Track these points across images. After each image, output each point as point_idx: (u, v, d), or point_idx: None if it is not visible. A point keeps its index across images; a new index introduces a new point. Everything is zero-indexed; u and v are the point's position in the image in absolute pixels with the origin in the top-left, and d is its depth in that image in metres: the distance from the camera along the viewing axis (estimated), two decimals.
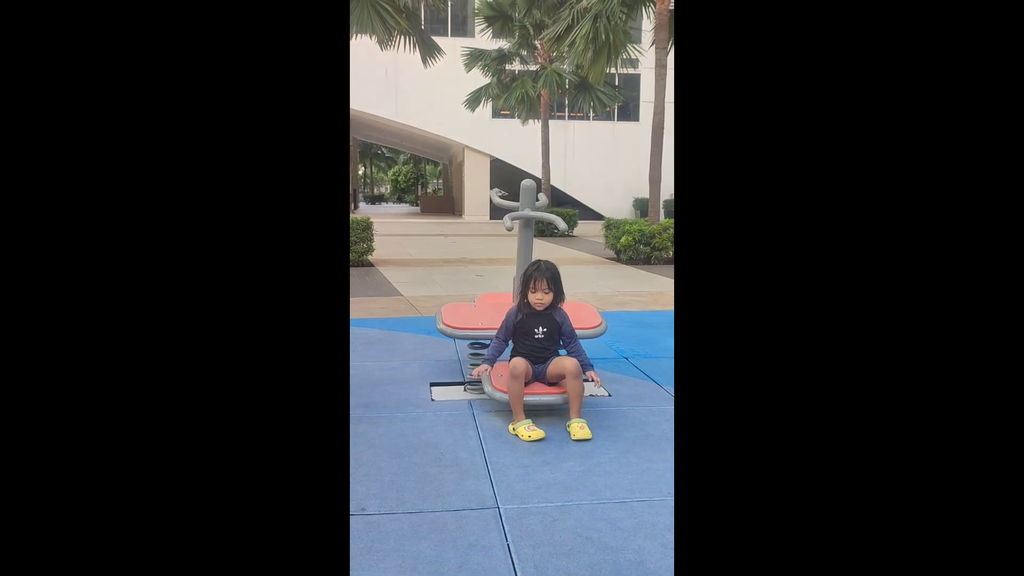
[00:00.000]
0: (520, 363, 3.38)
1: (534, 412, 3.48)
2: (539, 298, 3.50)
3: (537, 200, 4.14)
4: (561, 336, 3.59)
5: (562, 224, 4.33)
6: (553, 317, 3.57)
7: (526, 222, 4.11)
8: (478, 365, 3.60)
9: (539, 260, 3.62)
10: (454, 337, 3.98)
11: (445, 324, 3.94)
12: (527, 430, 3.22)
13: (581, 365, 3.48)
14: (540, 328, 3.53)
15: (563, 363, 3.42)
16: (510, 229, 4.07)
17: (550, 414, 3.55)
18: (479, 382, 3.89)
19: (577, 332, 3.70)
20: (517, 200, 4.15)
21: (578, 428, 3.24)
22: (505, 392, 3.40)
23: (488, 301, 4.50)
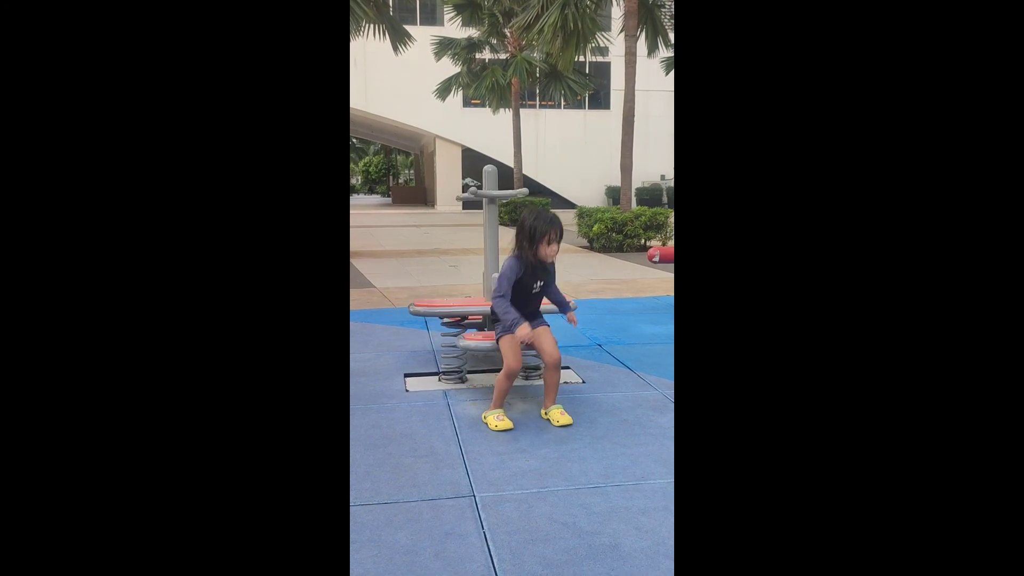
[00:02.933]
0: (517, 365, 3.27)
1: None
2: (555, 250, 3.29)
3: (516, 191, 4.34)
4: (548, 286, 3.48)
5: (524, 190, 4.73)
6: (548, 268, 3.40)
7: (490, 204, 4.15)
8: (499, 333, 3.41)
9: (540, 210, 3.37)
10: (425, 316, 4.11)
11: (416, 306, 4.10)
12: (496, 420, 3.23)
13: (560, 305, 3.56)
14: (538, 283, 3.37)
15: (545, 346, 3.29)
16: (470, 193, 4.17)
17: (524, 401, 3.57)
18: (456, 371, 3.90)
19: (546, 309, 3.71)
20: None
21: (559, 414, 3.25)
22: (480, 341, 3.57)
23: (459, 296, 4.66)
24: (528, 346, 3.37)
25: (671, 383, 3.81)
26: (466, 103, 23.03)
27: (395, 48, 12.77)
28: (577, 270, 9.01)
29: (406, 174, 45.70)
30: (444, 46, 17.57)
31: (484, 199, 4.12)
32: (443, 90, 18.27)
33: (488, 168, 4.16)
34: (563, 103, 23.28)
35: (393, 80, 22.56)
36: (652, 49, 13.53)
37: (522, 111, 18.50)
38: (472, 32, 17.63)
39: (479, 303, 4.23)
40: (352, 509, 2.41)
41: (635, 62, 11.50)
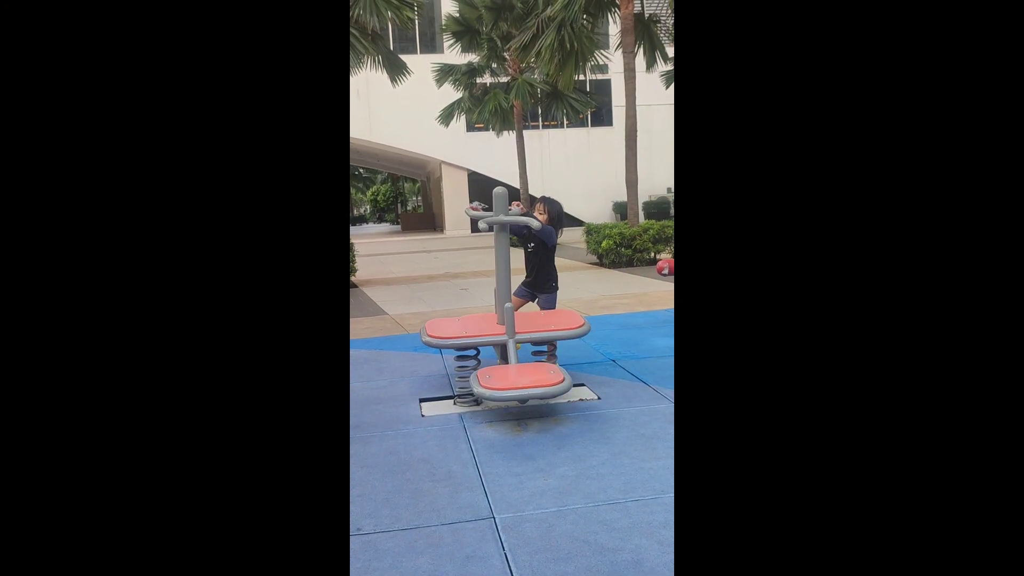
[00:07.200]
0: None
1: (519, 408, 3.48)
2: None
3: (510, 209, 4.19)
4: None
5: (536, 223, 4.33)
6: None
7: (500, 228, 4.14)
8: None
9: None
10: (440, 348, 4.03)
11: (430, 336, 3.99)
12: None
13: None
14: (530, 244, 4.56)
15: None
16: (485, 228, 4.12)
17: (540, 420, 3.56)
18: (470, 395, 3.89)
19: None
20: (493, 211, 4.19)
21: None
22: (494, 389, 3.40)
23: (473, 316, 4.56)
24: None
25: None
26: (470, 128, 23.19)
27: (392, 80, 12.88)
28: (588, 286, 9.00)
29: (414, 201, 45.98)
30: (445, 73, 17.72)
31: (495, 223, 4.10)
32: (446, 116, 18.40)
33: (498, 190, 4.09)
34: (566, 122, 23.40)
35: (397, 109, 22.76)
36: (650, 64, 13.59)
37: (526, 132, 18.59)
38: (472, 57, 17.79)
39: (492, 331, 4.13)
40: (373, 536, 2.41)
41: (634, 78, 11.56)
